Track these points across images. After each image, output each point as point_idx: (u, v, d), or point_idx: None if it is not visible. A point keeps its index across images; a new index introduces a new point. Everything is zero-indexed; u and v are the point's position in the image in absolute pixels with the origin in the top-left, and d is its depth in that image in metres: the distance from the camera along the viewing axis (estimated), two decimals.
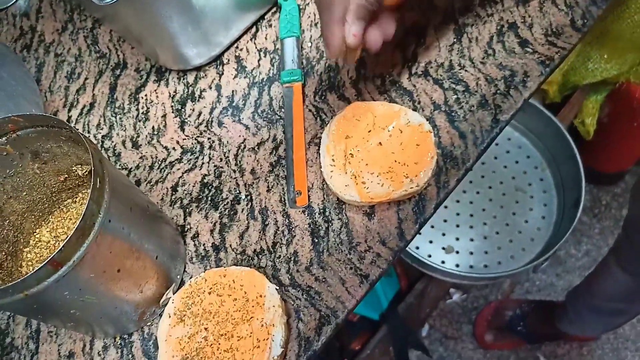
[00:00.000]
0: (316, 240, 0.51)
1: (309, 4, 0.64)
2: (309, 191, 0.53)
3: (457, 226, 1.09)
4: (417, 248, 1.02)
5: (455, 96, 0.55)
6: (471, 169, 0.52)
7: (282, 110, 0.58)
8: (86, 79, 0.63)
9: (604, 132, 1.29)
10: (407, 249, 1.02)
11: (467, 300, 1.43)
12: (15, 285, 0.34)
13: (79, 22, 0.68)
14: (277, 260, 0.51)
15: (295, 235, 0.51)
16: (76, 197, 0.51)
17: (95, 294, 0.40)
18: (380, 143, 0.52)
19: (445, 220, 1.10)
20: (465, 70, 0.56)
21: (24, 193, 0.46)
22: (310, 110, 0.57)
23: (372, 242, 0.50)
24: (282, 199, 0.53)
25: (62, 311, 0.40)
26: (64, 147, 0.44)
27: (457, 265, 1.03)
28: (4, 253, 0.46)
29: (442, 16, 0.60)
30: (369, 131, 0.53)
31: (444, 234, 1.09)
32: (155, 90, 0.61)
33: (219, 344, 0.45)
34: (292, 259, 0.50)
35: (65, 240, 0.34)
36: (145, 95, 0.61)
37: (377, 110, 0.53)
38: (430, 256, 1.01)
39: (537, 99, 1.12)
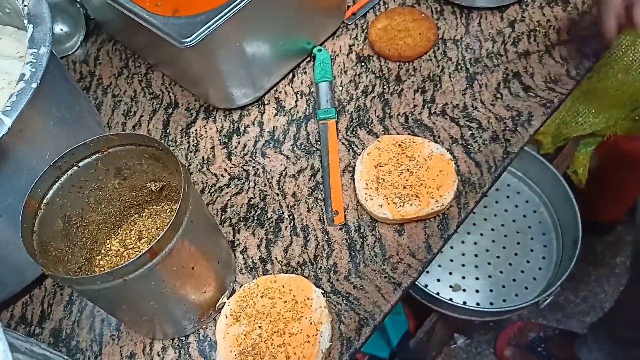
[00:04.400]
0: (353, 254, 0.57)
1: (338, 55, 0.73)
2: (344, 211, 0.60)
3: (463, 265, 1.15)
4: (426, 286, 1.08)
5: (470, 132, 0.64)
6: (486, 193, 0.60)
7: (318, 143, 0.66)
8: (141, 116, 0.72)
9: (595, 183, 1.38)
10: (417, 285, 1.08)
11: (471, 345, 1.47)
12: (118, 270, 0.40)
13: (134, 68, 0.77)
14: (319, 270, 0.57)
15: (334, 249, 0.58)
16: (143, 213, 0.57)
17: (173, 288, 0.46)
18: (407, 170, 0.60)
19: (451, 260, 1.16)
20: (478, 111, 0.65)
21: (103, 206, 0.53)
22: (343, 144, 0.65)
23: (403, 255, 0.57)
24: (321, 218, 0.60)
25: (143, 302, 0.46)
26: (144, 165, 0.51)
27: (465, 303, 1.08)
28: (83, 258, 0.52)
29: (455, 66, 0.70)
30: (397, 160, 0.61)
31: (450, 273, 1.15)
32: (204, 126, 0.70)
33: (273, 339, 0.51)
34: (332, 269, 0.57)
35: (163, 232, 0.41)
36: (195, 130, 0.69)
37: (404, 142, 0.62)
38: (438, 294, 1.07)
39: (533, 149, 1.22)
